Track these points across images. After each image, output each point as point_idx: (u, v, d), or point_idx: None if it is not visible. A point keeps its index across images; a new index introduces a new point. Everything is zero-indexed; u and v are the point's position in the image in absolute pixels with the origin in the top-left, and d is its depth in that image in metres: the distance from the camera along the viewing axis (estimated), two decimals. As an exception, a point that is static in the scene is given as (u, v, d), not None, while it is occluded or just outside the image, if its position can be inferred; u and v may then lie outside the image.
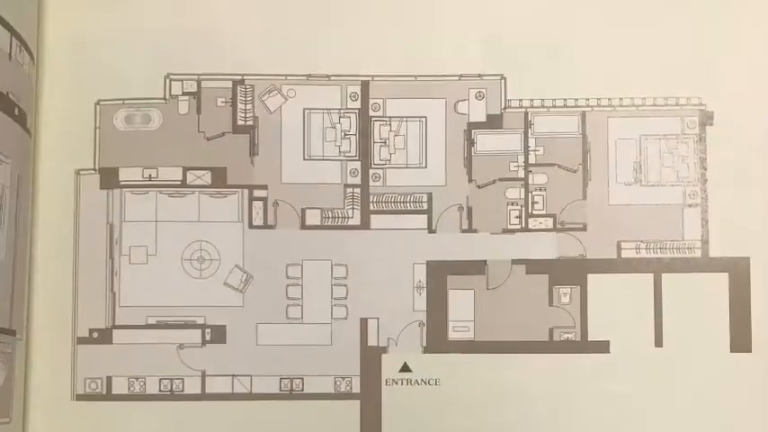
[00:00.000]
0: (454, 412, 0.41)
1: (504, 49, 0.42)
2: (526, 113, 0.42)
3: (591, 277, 0.42)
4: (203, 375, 0.41)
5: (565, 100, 0.42)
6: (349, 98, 0.42)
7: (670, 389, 0.41)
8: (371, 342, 0.42)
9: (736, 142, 0.42)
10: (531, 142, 0.42)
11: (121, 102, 0.42)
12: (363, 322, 0.42)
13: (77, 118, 0.42)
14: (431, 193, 0.42)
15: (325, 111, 0.42)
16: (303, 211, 0.42)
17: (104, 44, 0.42)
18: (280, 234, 0.42)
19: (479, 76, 0.42)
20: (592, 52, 0.42)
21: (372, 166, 0.42)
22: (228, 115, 0.42)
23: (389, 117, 0.42)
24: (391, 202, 0.42)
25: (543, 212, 0.42)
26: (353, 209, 0.42)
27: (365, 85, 0.42)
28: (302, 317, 0.42)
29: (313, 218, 0.42)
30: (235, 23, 0.42)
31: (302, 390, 0.41)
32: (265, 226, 0.42)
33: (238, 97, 0.42)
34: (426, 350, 0.42)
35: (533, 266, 0.42)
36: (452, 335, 0.42)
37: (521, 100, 0.42)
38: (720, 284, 0.42)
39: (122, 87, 0.42)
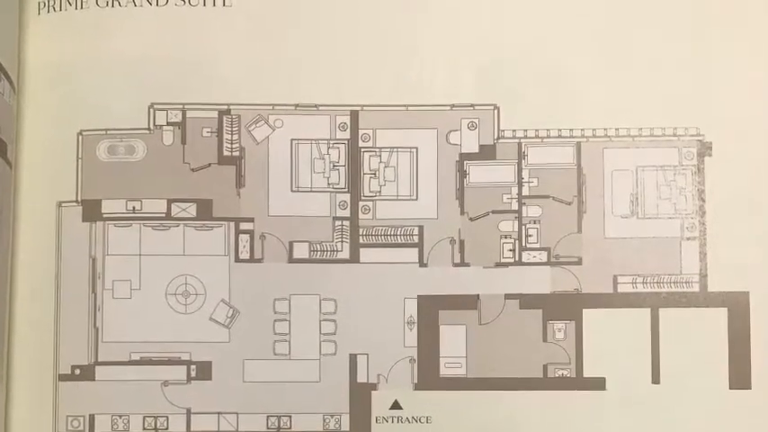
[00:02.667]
0: (446, 451, 0.40)
1: (497, 78, 0.41)
2: (520, 144, 0.41)
3: (586, 312, 0.41)
4: (188, 413, 0.40)
5: (559, 130, 0.41)
6: (338, 128, 0.41)
7: (668, 427, 0.40)
8: (361, 378, 0.40)
9: (736, 174, 0.41)
10: (525, 174, 0.41)
11: (104, 132, 0.41)
12: (352, 358, 0.41)
13: (59, 148, 0.41)
14: (422, 226, 0.41)
15: (314, 141, 0.41)
16: (291, 244, 0.41)
17: (87, 73, 0.41)
18: (267, 268, 0.41)
19: (472, 105, 0.41)
20: (587, 81, 0.41)
21: (362, 198, 0.41)
22: (214, 146, 0.41)
23: (379, 148, 0.41)
24: (381, 235, 0.41)
25: (537, 246, 0.41)
26: (342, 242, 0.41)
27: (354, 115, 0.41)
28: (290, 353, 0.41)
29: (301, 251, 0.41)
30: (221, 52, 0.41)
31: (290, 427, 0.40)
32: (252, 260, 0.41)
33: (224, 127, 0.41)
34: (417, 387, 0.41)
35: (527, 301, 0.41)
36: (444, 371, 0.41)
37: (514, 130, 0.41)
38: (719, 320, 0.41)
39: (105, 117, 0.41)
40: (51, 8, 0.41)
